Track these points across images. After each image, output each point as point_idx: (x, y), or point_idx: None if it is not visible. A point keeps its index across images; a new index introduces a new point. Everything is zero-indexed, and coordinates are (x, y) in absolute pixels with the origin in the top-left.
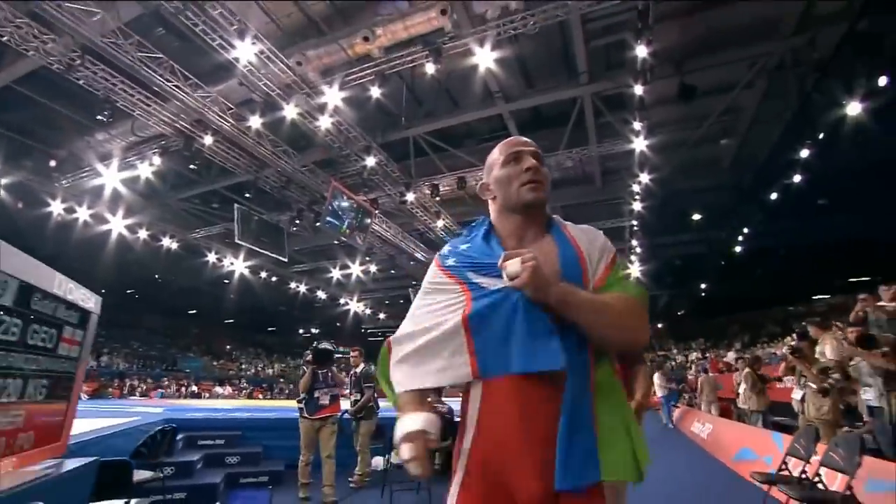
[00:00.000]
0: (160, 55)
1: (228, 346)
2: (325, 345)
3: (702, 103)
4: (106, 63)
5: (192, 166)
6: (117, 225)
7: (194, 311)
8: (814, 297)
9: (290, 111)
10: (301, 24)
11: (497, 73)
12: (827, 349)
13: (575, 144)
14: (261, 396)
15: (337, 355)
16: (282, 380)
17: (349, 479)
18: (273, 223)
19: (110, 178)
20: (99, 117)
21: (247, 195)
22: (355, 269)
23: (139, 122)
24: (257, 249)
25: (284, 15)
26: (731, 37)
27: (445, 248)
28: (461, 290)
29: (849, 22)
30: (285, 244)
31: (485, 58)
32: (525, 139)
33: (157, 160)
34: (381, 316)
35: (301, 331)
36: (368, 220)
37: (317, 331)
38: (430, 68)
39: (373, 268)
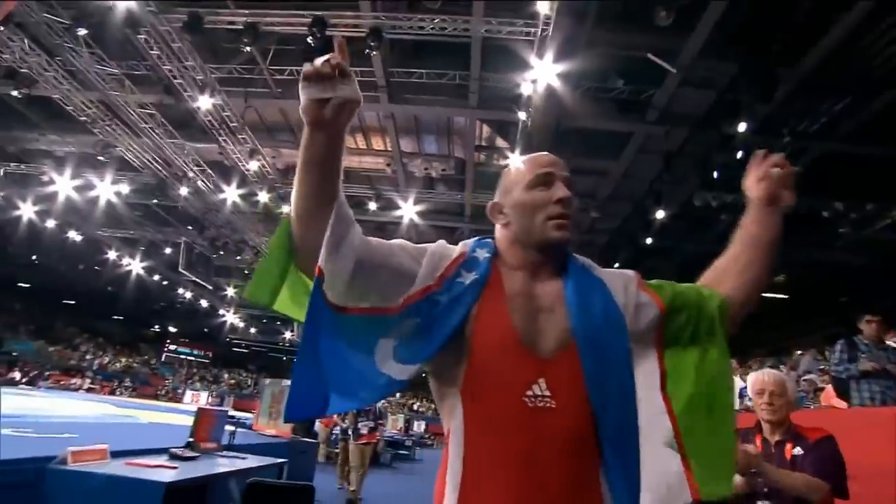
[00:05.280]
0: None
1: (69, 331)
2: None
3: None
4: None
5: (154, 201)
6: (27, 210)
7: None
8: None
9: (262, 196)
10: (280, 125)
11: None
12: None
13: None
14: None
15: None
16: (127, 378)
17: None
18: (207, 256)
19: (63, 184)
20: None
21: (189, 227)
22: None
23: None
24: (194, 279)
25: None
26: None
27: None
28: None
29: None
30: (212, 272)
31: (408, 209)
32: (556, 158)
33: (124, 188)
34: (252, 330)
35: (157, 326)
36: None
37: (174, 330)
38: (371, 205)
39: None
